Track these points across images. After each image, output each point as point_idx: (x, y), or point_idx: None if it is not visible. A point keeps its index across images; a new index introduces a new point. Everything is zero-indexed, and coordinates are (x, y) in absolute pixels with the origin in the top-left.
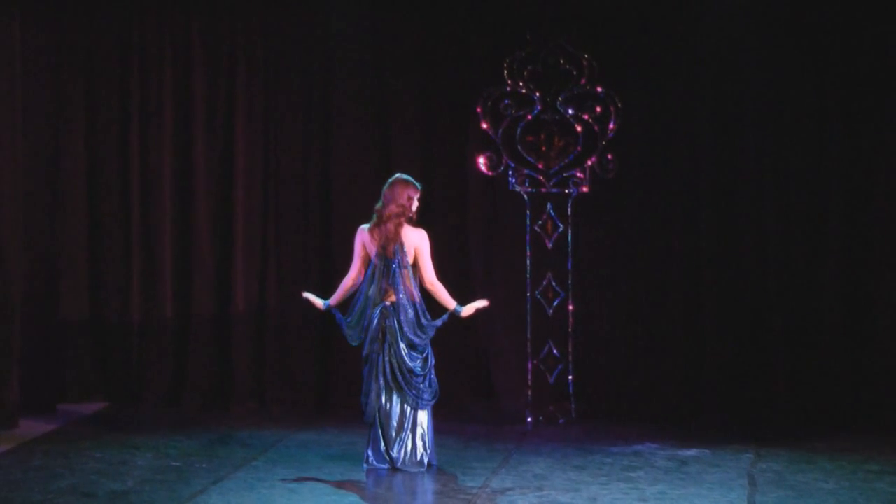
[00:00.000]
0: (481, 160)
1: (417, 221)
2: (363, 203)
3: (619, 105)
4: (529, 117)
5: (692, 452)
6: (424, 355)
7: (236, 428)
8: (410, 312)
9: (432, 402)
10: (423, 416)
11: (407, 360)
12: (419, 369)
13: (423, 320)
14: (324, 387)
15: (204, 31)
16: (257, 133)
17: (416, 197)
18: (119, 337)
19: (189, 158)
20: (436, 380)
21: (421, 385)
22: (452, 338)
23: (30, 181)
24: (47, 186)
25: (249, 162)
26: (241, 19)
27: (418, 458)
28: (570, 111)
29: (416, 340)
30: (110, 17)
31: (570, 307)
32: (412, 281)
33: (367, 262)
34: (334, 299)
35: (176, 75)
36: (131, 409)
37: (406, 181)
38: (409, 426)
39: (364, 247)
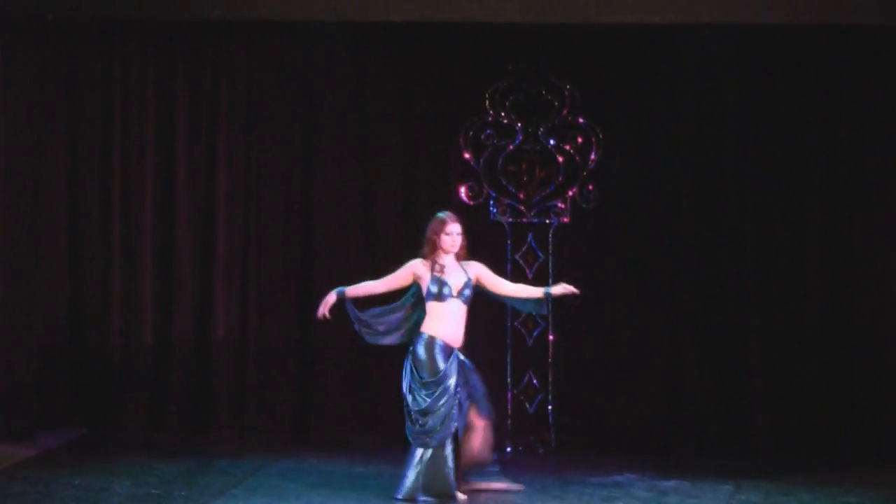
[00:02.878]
0: (463, 190)
1: (424, 251)
2: (345, 232)
3: (601, 136)
4: (511, 147)
5: (671, 483)
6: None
7: (215, 456)
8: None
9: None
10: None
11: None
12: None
13: None
14: (304, 415)
15: (187, 61)
16: (239, 161)
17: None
18: (99, 363)
19: (170, 186)
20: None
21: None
22: None
23: (9, 206)
24: (27, 212)
25: (230, 190)
26: (224, 50)
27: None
28: (552, 142)
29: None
30: (93, 48)
31: (551, 337)
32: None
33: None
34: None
35: (158, 104)
36: (111, 435)
37: (435, 218)
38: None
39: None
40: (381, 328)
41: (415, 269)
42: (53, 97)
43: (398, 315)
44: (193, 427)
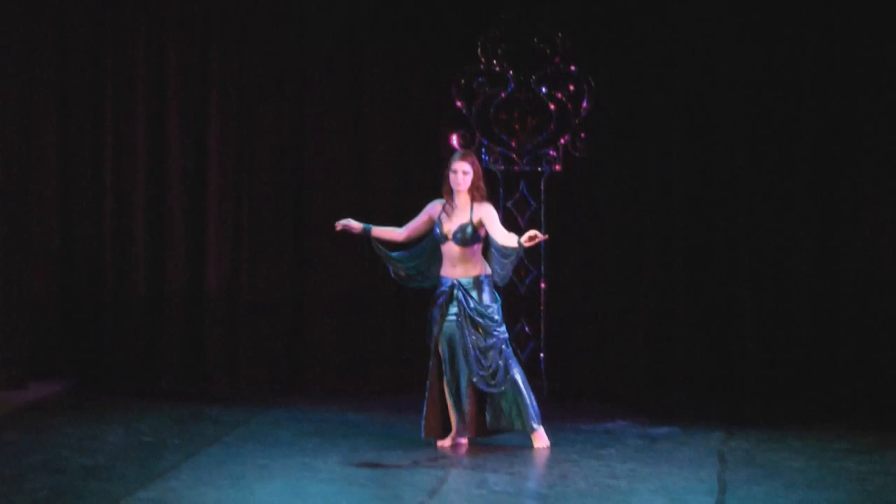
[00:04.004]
0: (454, 138)
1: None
2: (336, 183)
3: (593, 84)
4: (503, 95)
5: (663, 430)
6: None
7: (208, 404)
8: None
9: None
10: None
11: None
12: None
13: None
14: (296, 364)
15: (178, 14)
16: (230, 110)
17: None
18: (91, 313)
19: (162, 138)
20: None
21: None
22: (422, 314)
23: (2, 159)
24: (19, 165)
25: (222, 140)
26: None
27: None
28: (544, 90)
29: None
30: (84, 22)
31: (542, 285)
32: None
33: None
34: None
35: (149, 55)
36: (103, 384)
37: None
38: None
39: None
40: (411, 267)
41: (430, 212)
42: (43, 40)
43: (424, 257)
44: (186, 376)
